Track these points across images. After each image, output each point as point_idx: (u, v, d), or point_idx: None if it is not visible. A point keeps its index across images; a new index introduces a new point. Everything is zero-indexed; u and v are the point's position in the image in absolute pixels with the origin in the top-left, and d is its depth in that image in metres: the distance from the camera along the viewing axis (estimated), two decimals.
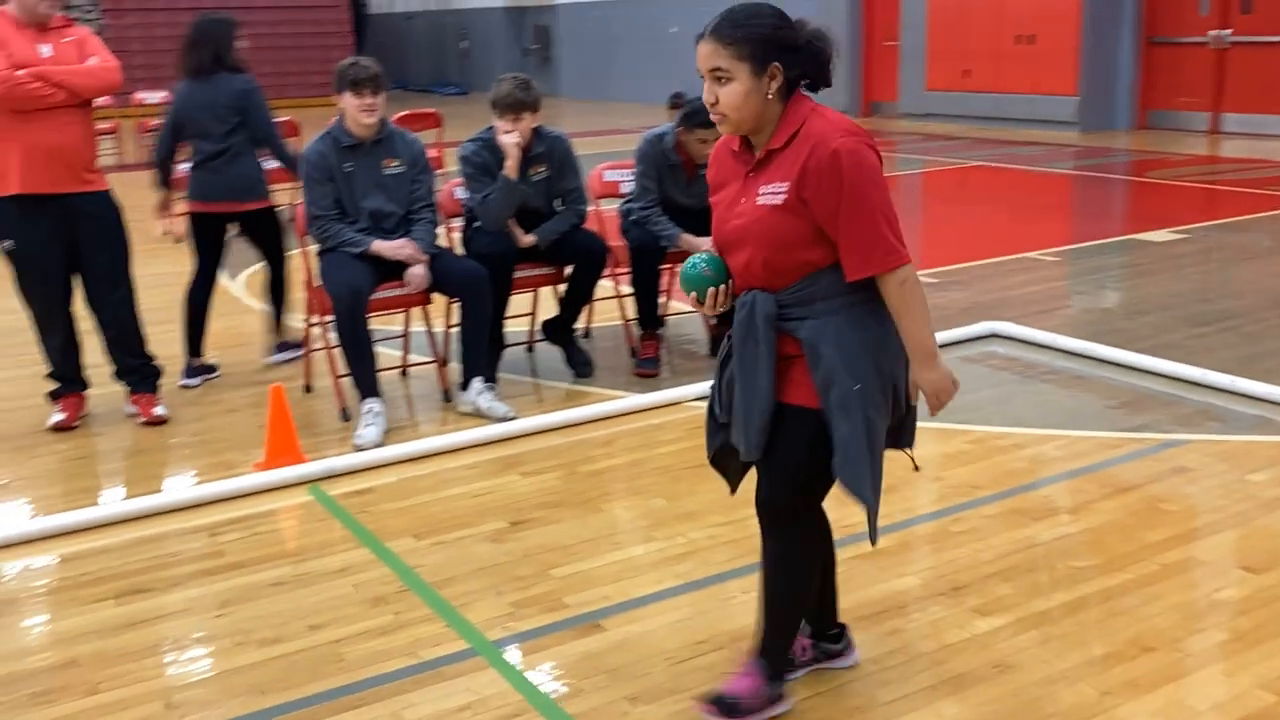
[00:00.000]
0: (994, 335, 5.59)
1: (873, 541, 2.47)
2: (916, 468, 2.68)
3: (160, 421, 4.64)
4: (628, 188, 5.51)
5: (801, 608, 2.58)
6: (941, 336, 5.47)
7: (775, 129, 2.33)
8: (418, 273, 4.60)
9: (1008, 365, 5.23)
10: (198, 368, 5.21)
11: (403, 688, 2.77)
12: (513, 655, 2.90)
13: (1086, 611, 3.02)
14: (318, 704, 2.71)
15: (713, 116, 2.35)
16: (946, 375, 2.38)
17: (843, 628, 2.78)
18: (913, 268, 2.32)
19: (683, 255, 5.02)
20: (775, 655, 2.56)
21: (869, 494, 2.37)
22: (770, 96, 2.30)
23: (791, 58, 2.31)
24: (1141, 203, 9.91)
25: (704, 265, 2.47)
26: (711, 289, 2.46)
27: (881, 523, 2.48)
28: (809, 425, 2.37)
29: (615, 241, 5.28)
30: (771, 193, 2.32)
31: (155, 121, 12.59)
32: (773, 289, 2.37)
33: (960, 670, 2.76)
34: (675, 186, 5.21)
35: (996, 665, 2.78)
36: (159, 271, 7.09)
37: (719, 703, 2.54)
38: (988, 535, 3.48)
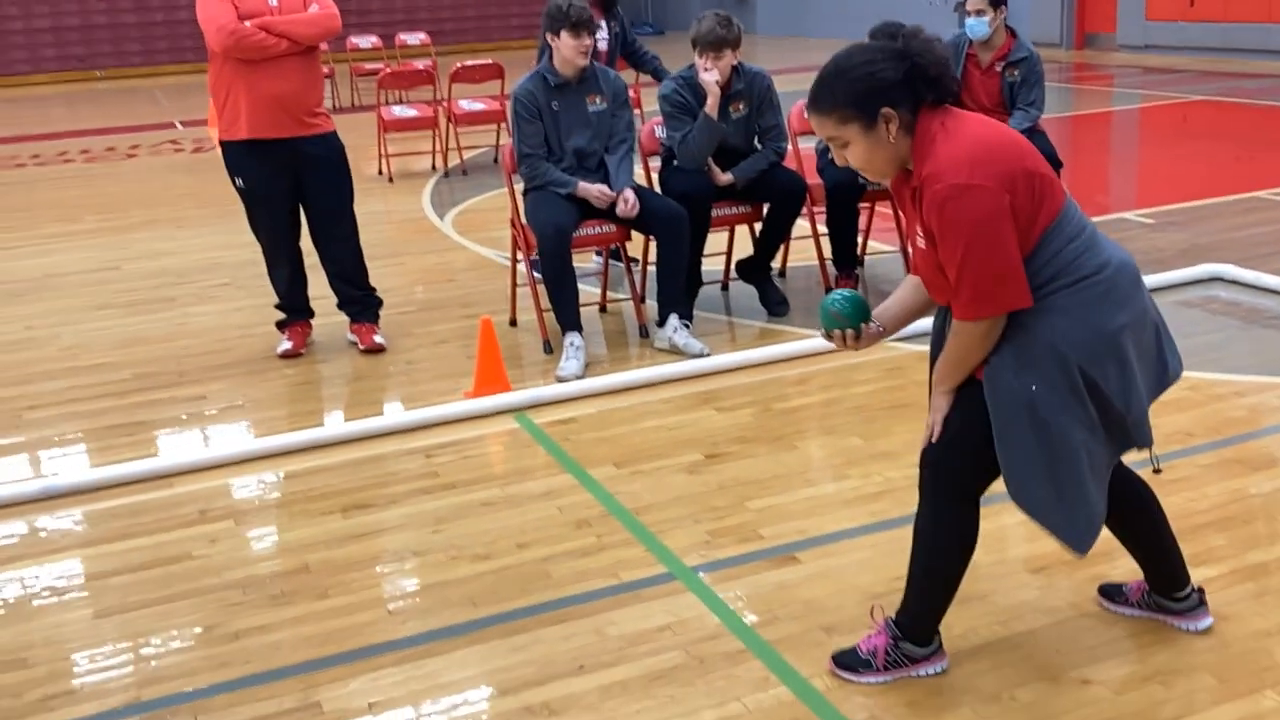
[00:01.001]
0: (1216, 279, 5.29)
1: (1079, 552, 2.34)
2: (1157, 470, 2.58)
3: (378, 350, 4.91)
4: None
5: (943, 584, 2.46)
6: (1158, 279, 5.23)
7: (912, 163, 2.25)
8: (629, 197, 4.68)
9: (1229, 310, 4.95)
10: None
11: (605, 606, 2.89)
12: (710, 581, 2.99)
13: None
14: (526, 617, 2.87)
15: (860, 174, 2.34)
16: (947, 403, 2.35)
17: (1192, 591, 2.62)
18: (992, 324, 2.22)
19: (884, 193, 4.94)
20: (912, 621, 2.50)
21: (1052, 517, 2.29)
22: (893, 139, 2.22)
23: (898, 94, 2.20)
24: None
25: (836, 305, 2.43)
26: (838, 330, 2.44)
27: None
28: (978, 396, 2.29)
29: (813, 180, 5.23)
30: (920, 234, 2.28)
31: (370, 66, 13.16)
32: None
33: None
34: None
35: None
36: (371, 210, 7.47)
37: (847, 659, 2.55)
38: (1202, 484, 3.34)
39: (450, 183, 8.76)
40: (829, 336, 2.48)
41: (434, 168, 9.26)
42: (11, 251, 7.20)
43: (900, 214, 2.45)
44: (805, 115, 2.32)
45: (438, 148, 9.27)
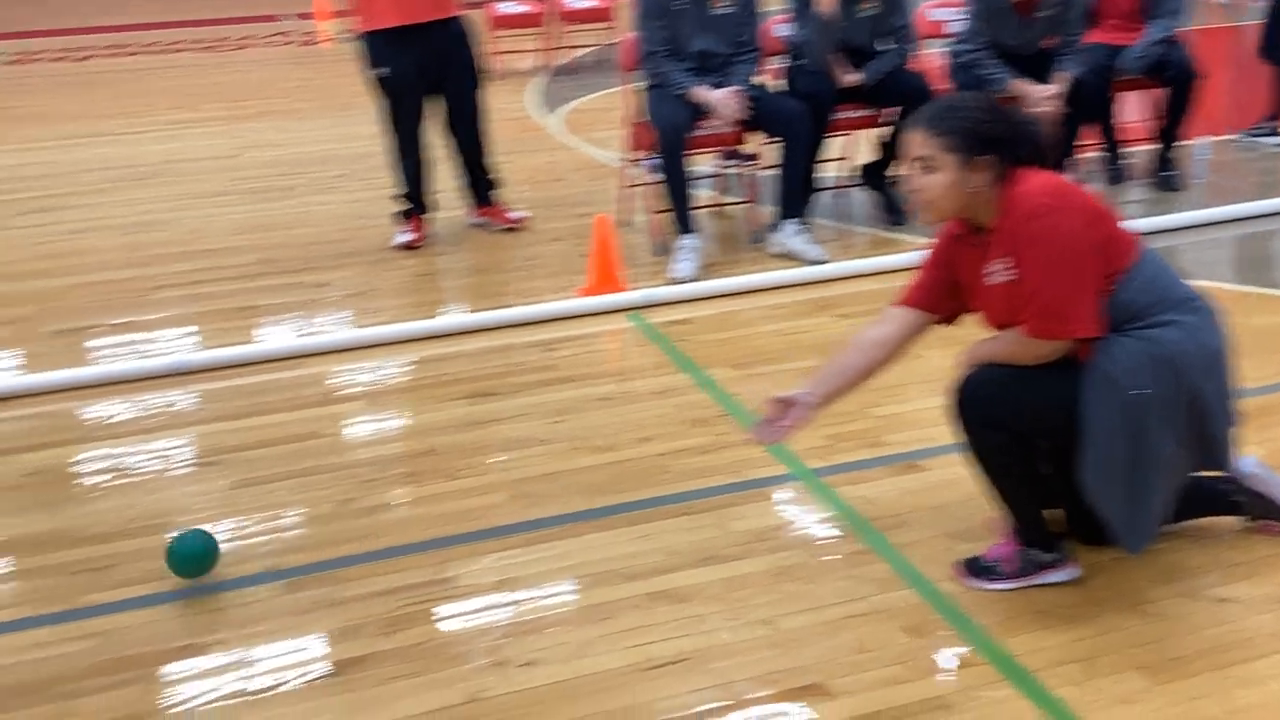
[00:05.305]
0: None
1: (1131, 551, 2.39)
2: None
3: (518, 224, 5.08)
4: (954, 28, 5.29)
5: (1020, 491, 2.47)
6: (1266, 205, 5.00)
7: (993, 210, 2.34)
8: (731, 92, 4.60)
9: None
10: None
11: (728, 501, 2.92)
12: (833, 484, 2.99)
13: None
14: (649, 508, 2.91)
15: (914, 204, 2.40)
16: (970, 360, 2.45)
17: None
18: (1054, 349, 2.30)
19: (1013, 100, 4.79)
20: (1022, 527, 2.50)
21: (1117, 515, 2.33)
22: (973, 188, 2.32)
23: (1001, 149, 2.32)
24: None
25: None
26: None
27: None
28: (1054, 374, 2.32)
29: (940, 85, 5.08)
30: (1001, 270, 2.33)
31: None
32: None
33: None
34: (1006, 28, 4.95)
35: None
36: None
37: (973, 565, 2.56)
38: None
39: (558, 82, 8.72)
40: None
41: (540, 67, 9.20)
42: (134, 136, 7.37)
43: (933, 270, 2.55)
44: (909, 130, 2.38)
45: (545, 45, 9.20)
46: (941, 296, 2.53)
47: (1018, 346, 2.36)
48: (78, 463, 3.27)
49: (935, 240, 2.55)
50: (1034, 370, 2.35)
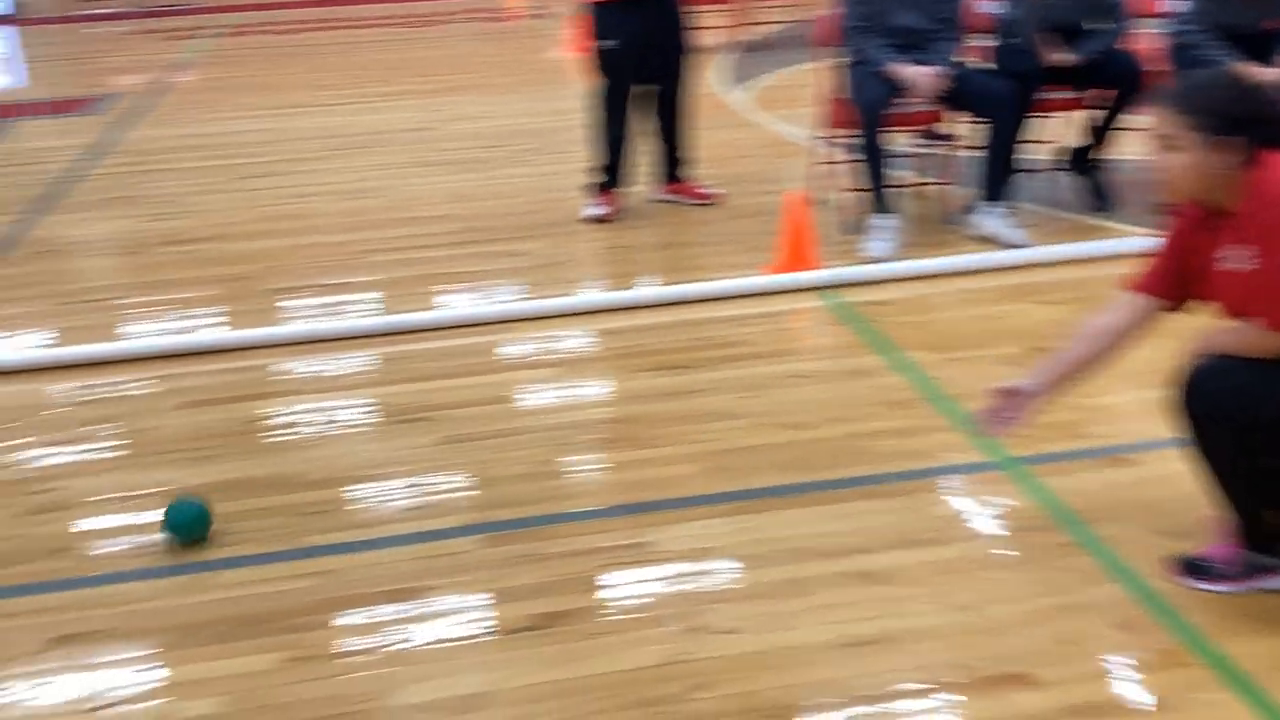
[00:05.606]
0: None
1: None
2: None
3: (710, 200, 5.15)
4: (1171, 7, 5.04)
5: (1243, 486, 2.34)
6: None
7: (1236, 194, 2.25)
8: (930, 72, 4.50)
9: None
10: None
11: (924, 486, 2.89)
12: (1036, 473, 2.92)
13: None
14: (844, 488, 2.90)
15: (1154, 182, 2.33)
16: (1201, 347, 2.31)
17: None
18: None
19: None
20: (1245, 527, 2.38)
21: None
22: (1216, 171, 2.23)
23: (1250, 131, 2.22)
24: None
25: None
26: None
27: None
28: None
29: (1154, 66, 4.86)
30: (1239, 256, 2.25)
31: None
32: None
33: None
34: (1228, 7, 4.68)
35: None
36: None
37: (1188, 564, 2.46)
38: None
39: (745, 58, 8.70)
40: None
41: (728, 42, 9.20)
42: (346, 107, 7.76)
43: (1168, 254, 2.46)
44: (1154, 106, 2.31)
45: (734, 21, 9.20)
46: (1174, 283, 2.45)
47: (1254, 339, 2.25)
48: (295, 413, 3.47)
49: (1171, 224, 2.46)
50: (1267, 364, 2.25)
